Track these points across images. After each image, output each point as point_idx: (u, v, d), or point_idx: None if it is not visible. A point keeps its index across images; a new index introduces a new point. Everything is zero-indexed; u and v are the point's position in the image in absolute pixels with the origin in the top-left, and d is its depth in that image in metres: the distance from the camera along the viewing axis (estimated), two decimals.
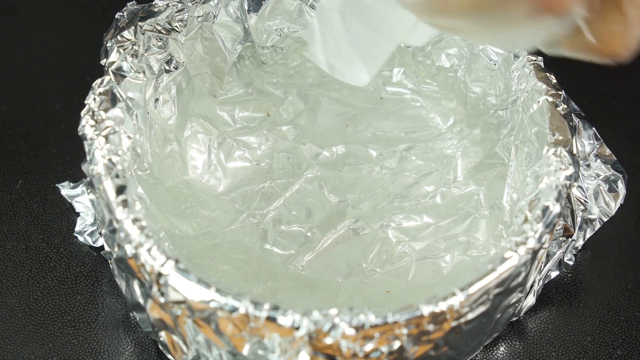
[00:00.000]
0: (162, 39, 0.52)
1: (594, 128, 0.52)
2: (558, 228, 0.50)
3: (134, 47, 0.50)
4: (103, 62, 0.50)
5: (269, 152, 0.57)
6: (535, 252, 0.44)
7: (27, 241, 0.54)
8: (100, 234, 0.53)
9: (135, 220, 0.44)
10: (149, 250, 0.43)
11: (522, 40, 0.42)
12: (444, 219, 0.54)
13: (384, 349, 0.41)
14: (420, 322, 0.41)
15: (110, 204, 0.44)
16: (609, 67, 0.65)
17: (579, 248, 0.53)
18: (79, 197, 0.54)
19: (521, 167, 0.50)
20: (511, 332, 0.52)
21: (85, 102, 0.48)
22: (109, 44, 0.50)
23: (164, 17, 0.52)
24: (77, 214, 0.54)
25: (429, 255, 0.53)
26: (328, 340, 0.41)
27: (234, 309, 0.41)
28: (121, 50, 0.50)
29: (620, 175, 0.52)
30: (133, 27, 0.51)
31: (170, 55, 0.52)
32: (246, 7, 0.55)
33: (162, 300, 0.43)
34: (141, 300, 0.45)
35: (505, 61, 0.53)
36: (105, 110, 0.47)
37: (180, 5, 0.53)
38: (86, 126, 0.47)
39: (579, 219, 0.51)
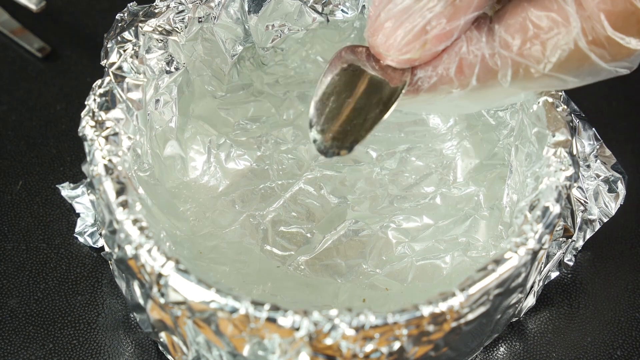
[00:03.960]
0: (162, 40, 0.52)
1: (593, 129, 0.52)
2: (558, 229, 0.50)
3: (135, 48, 0.50)
4: (103, 62, 0.50)
5: (268, 153, 0.57)
6: (535, 253, 0.44)
7: (27, 242, 0.54)
8: (100, 234, 0.53)
9: (135, 221, 0.44)
10: (149, 251, 0.43)
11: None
12: (444, 219, 0.54)
13: (384, 349, 0.41)
14: (420, 322, 0.41)
15: (110, 204, 0.44)
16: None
17: (579, 249, 0.53)
18: (79, 198, 0.54)
19: (521, 167, 0.50)
20: (511, 332, 0.52)
21: (86, 102, 0.48)
22: (109, 45, 0.50)
23: (164, 18, 0.52)
24: (78, 215, 0.54)
25: (429, 256, 0.53)
26: (328, 341, 0.41)
27: (234, 310, 0.41)
28: (122, 51, 0.50)
29: (620, 176, 0.52)
30: (133, 28, 0.51)
31: (170, 56, 0.53)
32: (246, 8, 0.55)
33: (162, 301, 0.43)
34: (141, 301, 0.45)
35: None
36: (106, 111, 0.47)
37: (180, 6, 0.53)
38: (86, 127, 0.47)
39: (579, 220, 0.51)
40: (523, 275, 0.44)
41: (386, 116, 0.42)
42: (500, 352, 0.51)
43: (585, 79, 0.41)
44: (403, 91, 0.43)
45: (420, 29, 0.40)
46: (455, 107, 0.44)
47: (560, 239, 0.51)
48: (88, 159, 0.46)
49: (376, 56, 0.43)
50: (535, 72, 0.41)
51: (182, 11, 0.53)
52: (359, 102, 0.43)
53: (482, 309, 0.43)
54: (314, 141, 0.42)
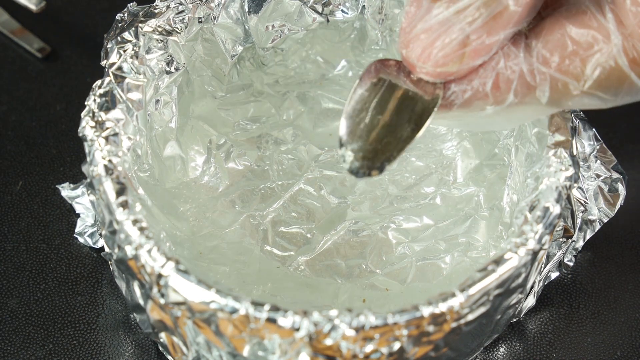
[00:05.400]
0: (162, 40, 0.52)
1: (594, 129, 0.52)
2: (558, 229, 0.50)
3: (135, 48, 0.50)
4: (103, 63, 0.50)
5: (268, 153, 0.57)
6: (535, 253, 0.44)
7: (27, 242, 0.54)
8: (100, 235, 0.53)
9: (135, 222, 0.44)
10: (149, 251, 0.43)
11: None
12: (444, 220, 0.54)
13: (384, 350, 0.41)
14: (420, 323, 0.41)
15: (110, 205, 0.44)
16: None
17: (579, 249, 0.53)
18: (79, 198, 0.54)
19: (521, 168, 0.50)
20: (511, 333, 0.52)
21: (86, 103, 0.48)
22: (109, 45, 0.50)
23: (164, 18, 0.52)
24: (78, 215, 0.54)
25: (429, 257, 0.53)
26: (328, 342, 0.41)
27: (234, 310, 0.41)
28: (121, 51, 0.50)
29: (620, 176, 0.52)
30: (133, 28, 0.51)
31: (170, 56, 0.53)
32: (246, 9, 0.55)
33: (162, 301, 0.43)
34: (141, 302, 0.45)
35: None
36: (106, 112, 0.47)
37: (180, 6, 0.53)
38: (86, 127, 0.47)
39: (579, 220, 0.51)
40: (523, 275, 0.44)
41: (419, 135, 0.42)
42: (500, 353, 0.51)
43: (623, 99, 0.40)
44: (436, 108, 0.42)
45: (459, 42, 0.40)
46: (485, 124, 0.44)
47: (560, 240, 0.51)
48: (88, 159, 0.46)
49: (409, 68, 0.42)
50: (574, 89, 0.40)
51: (182, 11, 0.53)
52: (391, 119, 0.42)
53: (482, 310, 0.43)
54: (344, 160, 0.41)
